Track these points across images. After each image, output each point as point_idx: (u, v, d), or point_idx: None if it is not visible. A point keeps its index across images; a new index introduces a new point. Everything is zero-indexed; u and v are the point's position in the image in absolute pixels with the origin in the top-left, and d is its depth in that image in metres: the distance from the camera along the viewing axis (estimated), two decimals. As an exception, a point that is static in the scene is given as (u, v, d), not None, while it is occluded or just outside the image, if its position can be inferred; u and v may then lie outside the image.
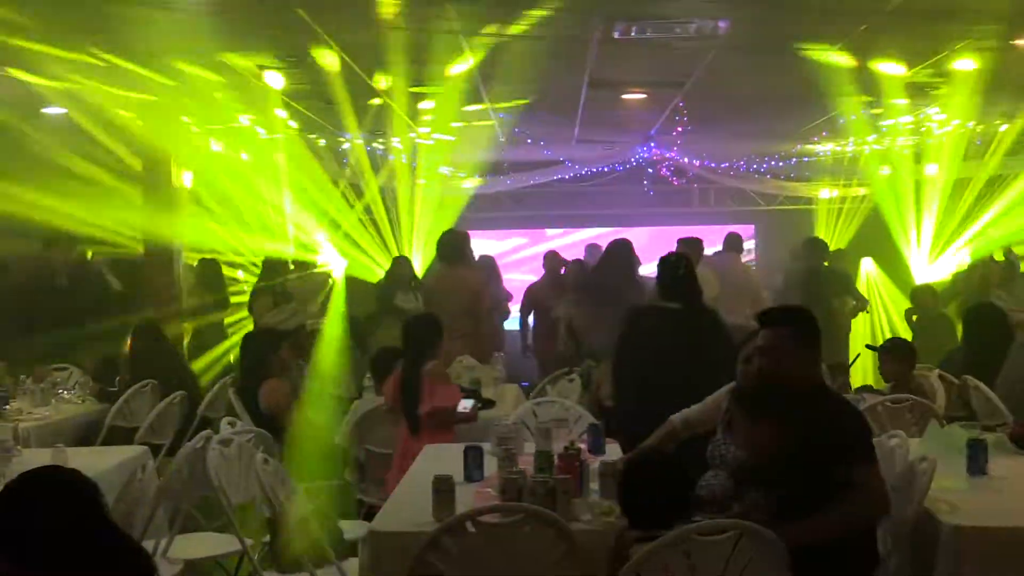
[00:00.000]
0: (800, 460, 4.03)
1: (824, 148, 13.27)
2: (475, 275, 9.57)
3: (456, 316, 8.74)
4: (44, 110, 9.69)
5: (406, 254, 12.65)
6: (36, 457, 5.27)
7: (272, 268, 11.07)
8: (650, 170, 14.18)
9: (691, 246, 9.12)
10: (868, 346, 8.20)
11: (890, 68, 8.56)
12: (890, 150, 12.75)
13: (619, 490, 4.08)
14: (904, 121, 11.18)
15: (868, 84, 9.13)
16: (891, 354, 7.25)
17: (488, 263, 11.15)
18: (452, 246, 9.38)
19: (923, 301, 10.97)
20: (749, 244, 13.86)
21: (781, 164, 14.01)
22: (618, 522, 4.08)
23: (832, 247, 13.00)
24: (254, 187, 12.65)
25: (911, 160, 12.93)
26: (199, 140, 11.60)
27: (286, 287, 10.80)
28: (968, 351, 7.64)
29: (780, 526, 3.72)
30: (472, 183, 14.21)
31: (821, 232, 14.17)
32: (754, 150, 13.72)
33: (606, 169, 14.24)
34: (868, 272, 14.38)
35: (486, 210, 15.24)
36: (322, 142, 12.31)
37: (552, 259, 11.24)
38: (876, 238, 13.58)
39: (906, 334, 10.94)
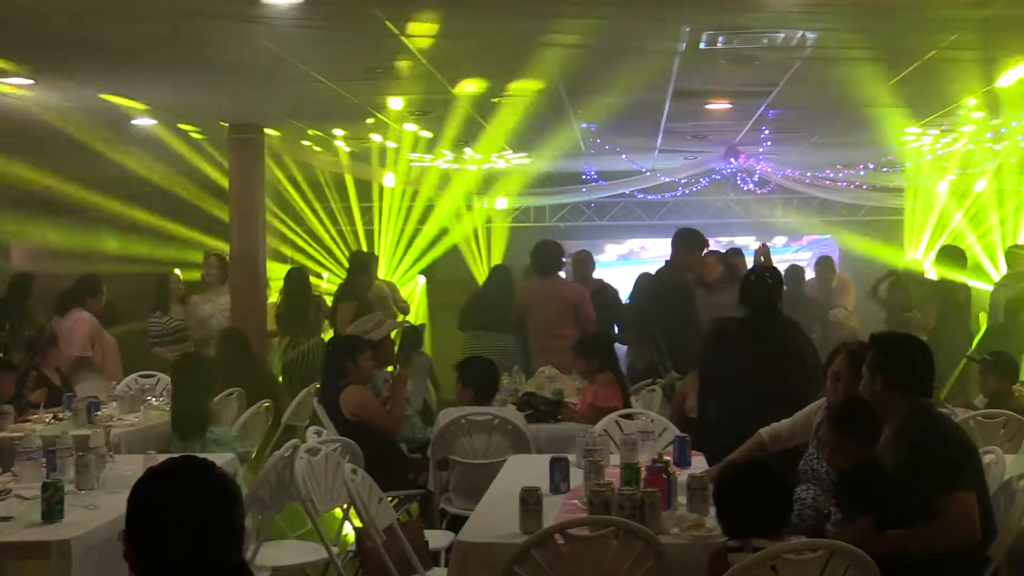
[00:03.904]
0: (884, 481, 3.98)
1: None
2: (573, 286, 9.65)
3: (554, 327, 8.88)
4: (133, 121, 9.87)
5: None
6: (129, 463, 5.36)
7: (361, 266, 10.98)
8: (737, 180, 14.07)
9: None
10: (969, 357, 7.97)
11: (985, 73, 8.33)
12: (992, 156, 12.44)
13: (715, 497, 4.06)
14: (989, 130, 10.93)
15: (960, 92, 8.97)
16: (994, 368, 7.07)
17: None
18: (549, 257, 9.40)
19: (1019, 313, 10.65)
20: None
21: (867, 173, 13.78)
22: (706, 535, 4.06)
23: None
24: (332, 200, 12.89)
25: (1017, 169, 12.59)
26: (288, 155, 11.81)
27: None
28: None
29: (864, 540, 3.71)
30: (552, 194, 14.25)
31: (908, 242, 13.96)
32: (840, 160, 13.52)
33: (688, 179, 14.15)
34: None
35: (567, 220, 15.29)
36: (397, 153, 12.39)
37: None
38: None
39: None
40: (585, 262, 10.86)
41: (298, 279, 10.49)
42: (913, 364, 4.28)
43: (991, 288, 10.45)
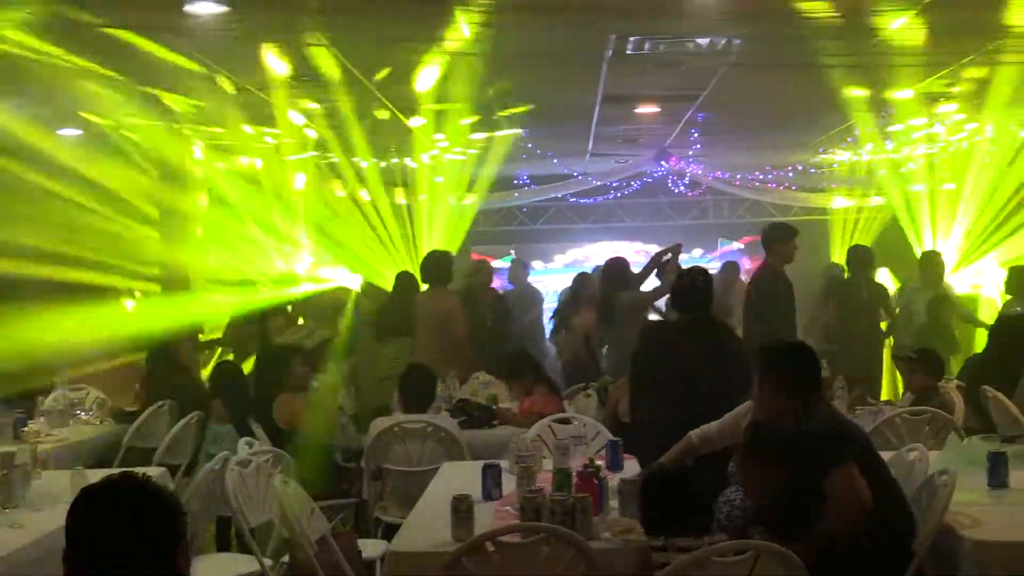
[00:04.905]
0: (788, 484, 4.05)
1: (840, 157, 13.20)
2: (446, 299, 9.30)
3: (429, 338, 8.89)
4: (59, 131, 9.73)
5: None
6: (56, 480, 5.28)
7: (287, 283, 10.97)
8: (667, 183, 14.18)
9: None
10: (894, 356, 8.10)
11: (902, 79, 8.51)
12: (907, 160, 12.67)
13: (639, 503, 4.09)
14: (918, 131, 11.12)
15: (881, 95, 9.12)
16: (919, 365, 7.14)
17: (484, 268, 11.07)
18: (432, 268, 9.31)
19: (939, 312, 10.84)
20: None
21: (795, 175, 13.98)
22: (638, 539, 4.08)
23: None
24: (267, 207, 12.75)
25: (928, 170, 12.83)
26: (210, 161, 11.67)
27: (294, 306, 10.78)
28: (990, 360, 7.50)
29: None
30: (482, 198, 14.21)
31: (836, 243, 14.17)
32: (768, 161, 13.69)
33: (620, 183, 14.24)
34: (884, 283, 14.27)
35: (500, 224, 15.28)
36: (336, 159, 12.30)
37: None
38: (894, 249, 13.39)
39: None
40: (481, 271, 10.77)
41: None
42: (802, 368, 4.45)
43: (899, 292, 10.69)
